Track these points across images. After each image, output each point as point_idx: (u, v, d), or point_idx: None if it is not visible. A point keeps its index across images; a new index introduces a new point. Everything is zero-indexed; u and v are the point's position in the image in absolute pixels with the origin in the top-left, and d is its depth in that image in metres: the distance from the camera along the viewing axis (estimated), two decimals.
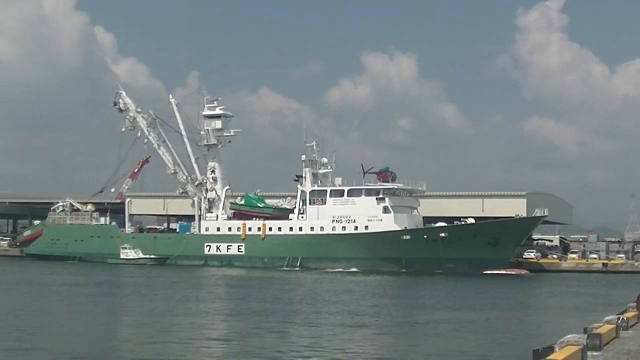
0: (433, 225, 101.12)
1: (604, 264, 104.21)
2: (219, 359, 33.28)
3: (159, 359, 32.10)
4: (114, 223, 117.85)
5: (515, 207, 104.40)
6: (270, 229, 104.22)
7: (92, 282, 74.66)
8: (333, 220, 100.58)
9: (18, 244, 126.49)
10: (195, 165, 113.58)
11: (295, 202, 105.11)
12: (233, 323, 44.30)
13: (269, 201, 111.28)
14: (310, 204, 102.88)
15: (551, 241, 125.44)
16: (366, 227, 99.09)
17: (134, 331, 40.81)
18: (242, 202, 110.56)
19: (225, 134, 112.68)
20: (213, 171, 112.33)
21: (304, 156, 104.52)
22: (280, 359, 32.53)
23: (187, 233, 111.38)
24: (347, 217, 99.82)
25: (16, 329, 40.36)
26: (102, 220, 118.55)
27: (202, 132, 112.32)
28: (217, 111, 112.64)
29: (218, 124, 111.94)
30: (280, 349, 34.58)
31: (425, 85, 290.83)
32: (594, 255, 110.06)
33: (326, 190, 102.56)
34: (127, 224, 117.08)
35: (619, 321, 22.02)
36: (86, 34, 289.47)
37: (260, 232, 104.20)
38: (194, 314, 49.20)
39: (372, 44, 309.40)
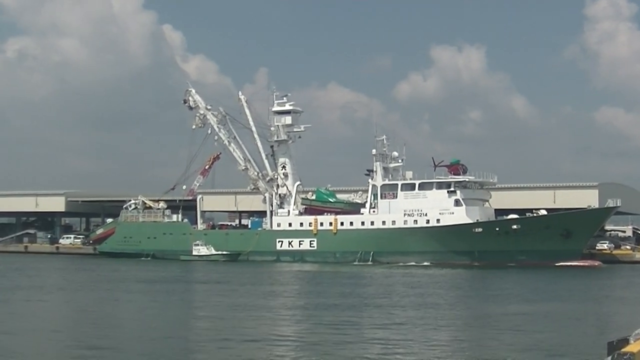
0: (505, 217, 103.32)
1: None
2: (297, 354, 34.32)
3: (241, 354, 33.68)
4: (186, 220, 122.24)
5: (587, 198, 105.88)
6: (341, 223, 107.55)
7: (169, 279, 78.29)
8: (404, 214, 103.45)
9: (91, 242, 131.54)
10: (265, 161, 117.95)
11: (367, 197, 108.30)
12: (310, 317, 46.19)
13: (340, 196, 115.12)
14: (381, 198, 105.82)
15: (624, 232, 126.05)
16: (438, 221, 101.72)
17: (215, 325, 42.80)
18: (314, 197, 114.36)
19: (295, 130, 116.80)
20: (284, 167, 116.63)
21: (374, 150, 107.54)
22: (358, 353, 33.64)
23: (259, 229, 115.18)
24: (418, 210, 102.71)
25: (110, 325, 43.86)
26: (174, 217, 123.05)
27: (272, 128, 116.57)
28: (287, 107, 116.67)
29: (288, 119, 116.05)
30: (358, 343, 36.31)
31: (494, 76, 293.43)
32: None
33: (397, 184, 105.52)
34: (199, 220, 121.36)
35: None
36: (155, 33, 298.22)
37: (332, 227, 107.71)
38: (271, 308, 51.53)
39: (440, 36, 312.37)
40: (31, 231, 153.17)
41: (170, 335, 39.83)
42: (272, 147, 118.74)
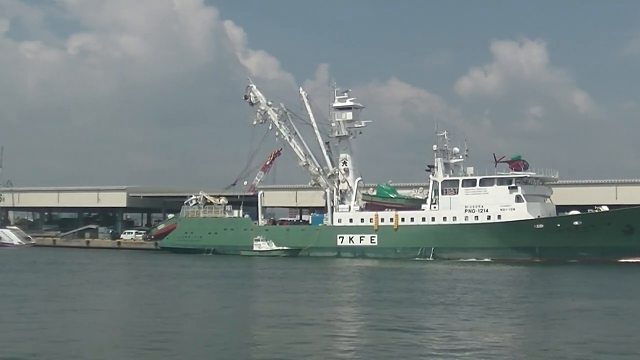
0: (566, 213, 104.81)
1: None
2: (363, 349, 35.01)
3: (306, 348, 34.87)
4: (247, 215, 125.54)
5: None
6: (402, 219, 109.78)
7: (233, 274, 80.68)
8: (465, 210, 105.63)
9: (152, 237, 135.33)
10: (326, 157, 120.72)
11: (427, 192, 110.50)
12: (374, 313, 47.21)
13: (400, 192, 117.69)
14: (442, 194, 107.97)
15: None
16: (499, 217, 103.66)
17: (277, 320, 44.15)
18: (374, 193, 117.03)
19: (356, 126, 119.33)
20: (345, 162, 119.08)
21: (435, 146, 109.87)
22: (422, 350, 34.63)
23: (320, 225, 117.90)
24: (479, 206, 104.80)
25: (177, 319, 45.43)
26: (235, 213, 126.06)
27: (333, 124, 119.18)
28: (348, 103, 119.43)
29: (349, 115, 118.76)
30: (421, 340, 37.21)
31: (556, 72, 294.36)
32: None
33: (458, 180, 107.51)
34: (260, 216, 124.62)
35: None
36: (216, 29, 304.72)
37: (392, 223, 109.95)
38: (334, 304, 53.11)
39: (501, 31, 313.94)
40: (93, 226, 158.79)
41: (234, 329, 41.68)
42: (327, 143, 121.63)
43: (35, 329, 39.44)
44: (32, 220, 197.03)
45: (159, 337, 37.92)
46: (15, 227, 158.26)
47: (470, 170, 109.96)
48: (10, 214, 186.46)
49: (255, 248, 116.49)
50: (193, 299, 57.55)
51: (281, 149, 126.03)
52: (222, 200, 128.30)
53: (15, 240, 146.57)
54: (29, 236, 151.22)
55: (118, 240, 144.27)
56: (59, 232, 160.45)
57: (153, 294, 61.20)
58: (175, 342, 36.87)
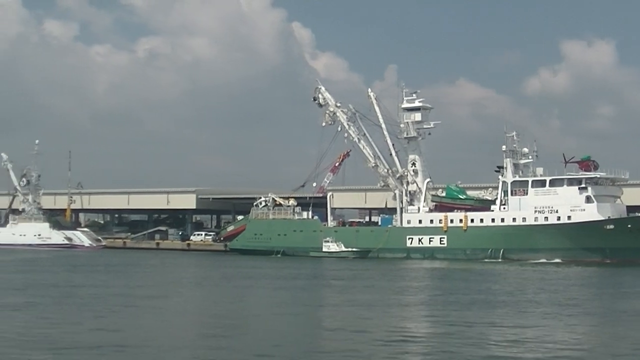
0: (637, 214, 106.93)
1: None
2: (438, 351, 35.27)
3: (375, 350, 35.40)
4: (316, 217, 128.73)
5: None
6: (472, 220, 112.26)
7: (304, 275, 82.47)
8: (535, 211, 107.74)
9: (222, 239, 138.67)
10: (395, 158, 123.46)
11: (497, 193, 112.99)
12: (447, 313, 47.94)
13: (470, 192, 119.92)
14: (511, 194, 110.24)
15: None
16: (569, 217, 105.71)
17: (350, 321, 45.16)
18: (444, 194, 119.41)
19: (425, 126, 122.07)
20: (414, 164, 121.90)
21: (504, 146, 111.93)
22: (495, 351, 35.05)
23: (389, 226, 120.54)
24: (549, 207, 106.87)
25: (247, 320, 47.10)
26: (305, 214, 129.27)
27: (401, 125, 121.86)
28: (416, 104, 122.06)
29: (417, 116, 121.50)
30: (495, 340, 38.09)
31: (625, 71, 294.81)
32: None
33: (528, 181, 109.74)
34: (329, 217, 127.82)
35: None
36: (284, 30, 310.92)
37: (462, 224, 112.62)
38: (406, 305, 54.51)
39: (570, 31, 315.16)
40: (163, 228, 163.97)
41: (305, 329, 43.39)
42: (392, 145, 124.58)
43: (119, 328, 41.84)
44: (102, 222, 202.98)
45: (235, 337, 39.50)
46: (86, 229, 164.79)
47: (539, 170, 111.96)
48: (81, 216, 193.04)
49: (324, 249, 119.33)
50: (268, 300, 59.24)
51: (350, 150, 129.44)
52: (292, 201, 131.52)
53: (86, 242, 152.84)
54: (100, 238, 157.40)
55: (188, 242, 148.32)
56: (129, 234, 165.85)
57: (228, 295, 62.78)
58: (248, 341, 38.52)
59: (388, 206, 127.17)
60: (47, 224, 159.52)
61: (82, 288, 64.64)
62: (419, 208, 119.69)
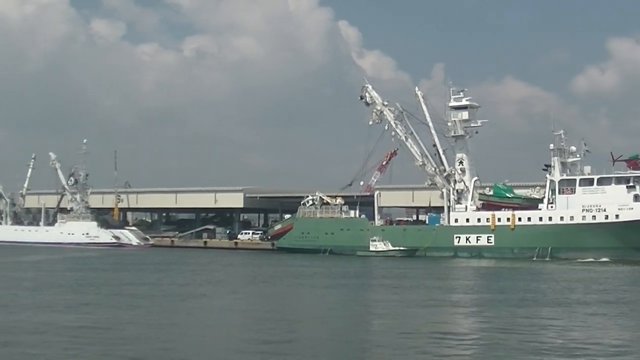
0: None
1: None
2: (478, 351, 35.84)
3: (424, 349, 35.89)
4: (363, 216, 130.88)
5: None
6: (519, 219, 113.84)
7: (353, 274, 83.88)
8: (583, 210, 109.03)
9: (269, 237, 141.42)
10: (443, 157, 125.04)
11: (544, 192, 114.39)
12: (497, 313, 48.74)
13: (517, 191, 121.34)
14: (559, 193, 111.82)
15: None
16: (617, 216, 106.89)
17: (398, 320, 46.14)
18: (491, 192, 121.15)
19: (472, 125, 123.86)
20: (461, 162, 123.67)
21: (552, 145, 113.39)
22: (549, 349, 35.65)
23: (437, 225, 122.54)
24: (597, 206, 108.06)
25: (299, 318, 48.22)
26: (352, 213, 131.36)
27: (449, 124, 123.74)
28: (464, 102, 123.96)
29: (465, 115, 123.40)
30: (548, 339, 38.67)
31: None
32: None
33: (575, 179, 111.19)
34: (377, 216, 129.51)
35: None
36: (331, 29, 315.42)
37: (509, 223, 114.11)
38: (455, 304, 55.84)
39: (617, 29, 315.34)
40: (210, 227, 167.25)
41: (356, 328, 43.64)
42: (440, 143, 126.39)
43: (170, 326, 43.13)
44: (150, 221, 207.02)
45: (289, 337, 39.88)
46: (133, 228, 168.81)
47: (587, 169, 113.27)
48: (129, 215, 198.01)
49: (371, 248, 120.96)
50: (320, 299, 60.50)
51: (397, 149, 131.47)
52: (339, 200, 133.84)
53: (134, 240, 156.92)
54: (147, 237, 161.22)
55: (235, 240, 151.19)
56: (177, 232, 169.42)
57: (280, 294, 64.85)
58: (303, 342, 38.90)
59: (433, 205, 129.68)
60: (95, 223, 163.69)
61: (134, 286, 66.61)
62: (466, 207, 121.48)
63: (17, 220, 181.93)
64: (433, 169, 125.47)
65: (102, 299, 55.49)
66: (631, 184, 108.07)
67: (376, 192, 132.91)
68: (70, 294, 58.84)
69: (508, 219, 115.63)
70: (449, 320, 46.98)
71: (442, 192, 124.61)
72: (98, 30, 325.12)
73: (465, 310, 52.57)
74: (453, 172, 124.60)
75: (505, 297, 58.38)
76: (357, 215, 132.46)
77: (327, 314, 50.03)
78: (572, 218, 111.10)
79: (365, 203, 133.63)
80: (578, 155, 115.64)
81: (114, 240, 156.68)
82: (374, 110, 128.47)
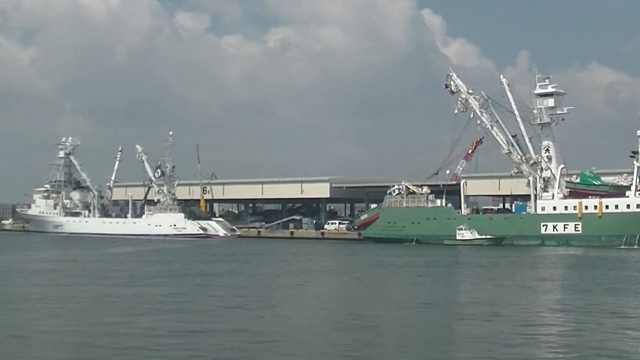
0: None
1: None
2: (565, 342, 35.67)
3: (511, 338, 36.01)
4: (449, 205, 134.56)
5: None
6: (607, 206, 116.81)
7: (442, 263, 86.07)
8: None
9: (356, 227, 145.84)
10: (529, 145, 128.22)
11: (632, 179, 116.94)
12: (591, 301, 49.03)
13: (604, 178, 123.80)
14: None
15: None
16: None
17: (505, 310, 45.88)
18: (578, 180, 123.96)
19: (558, 112, 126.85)
20: (547, 150, 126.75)
21: (639, 132, 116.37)
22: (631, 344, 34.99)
23: (523, 213, 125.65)
24: None
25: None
26: (438, 202, 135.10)
27: (534, 111, 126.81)
28: (549, 89, 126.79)
29: (550, 102, 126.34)
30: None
31: None
32: None
33: None
34: (463, 205, 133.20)
35: None
36: (414, 18, 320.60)
37: (596, 211, 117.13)
38: (549, 291, 56.96)
39: None
40: (297, 217, 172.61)
41: (460, 318, 43.75)
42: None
43: (271, 316, 43.95)
44: (236, 212, 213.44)
45: (390, 327, 40.91)
46: (220, 219, 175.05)
47: None
48: (216, 206, 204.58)
49: (458, 237, 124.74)
50: (415, 288, 61.29)
51: (483, 137, 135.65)
52: (425, 189, 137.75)
53: (221, 231, 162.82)
54: (234, 228, 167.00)
55: (322, 230, 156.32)
56: (263, 223, 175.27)
57: (376, 283, 66.29)
58: (403, 332, 39.33)
59: (516, 193, 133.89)
60: (182, 215, 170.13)
61: (229, 277, 68.90)
62: (553, 195, 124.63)
63: (105, 212, 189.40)
64: (519, 157, 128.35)
65: (198, 289, 57.57)
66: None
67: (462, 181, 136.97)
68: (167, 285, 60.84)
69: (595, 207, 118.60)
70: (550, 309, 47.93)
71: (529, 180, 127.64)
72: (182, 23, 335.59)
73: (562, 299, 52.85)
74: (539, 159, 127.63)
75: (596, 286, 59.54)
76: (444, 204, 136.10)
77: (425, 304, 49.80)
78: None
79: (451, 192, 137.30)
80: None
81: (200, 232, 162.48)
82: (459, 99, 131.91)
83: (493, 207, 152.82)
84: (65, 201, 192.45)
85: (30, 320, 41.96)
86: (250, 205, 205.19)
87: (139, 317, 42.48)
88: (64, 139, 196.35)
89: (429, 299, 52.30)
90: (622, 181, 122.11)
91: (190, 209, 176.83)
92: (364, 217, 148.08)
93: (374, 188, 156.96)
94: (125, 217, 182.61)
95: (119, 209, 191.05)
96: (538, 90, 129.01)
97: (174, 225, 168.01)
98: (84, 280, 65.45)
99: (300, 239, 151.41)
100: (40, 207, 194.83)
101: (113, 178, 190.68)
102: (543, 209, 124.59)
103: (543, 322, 42.24)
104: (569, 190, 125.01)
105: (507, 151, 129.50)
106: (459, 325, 40.97)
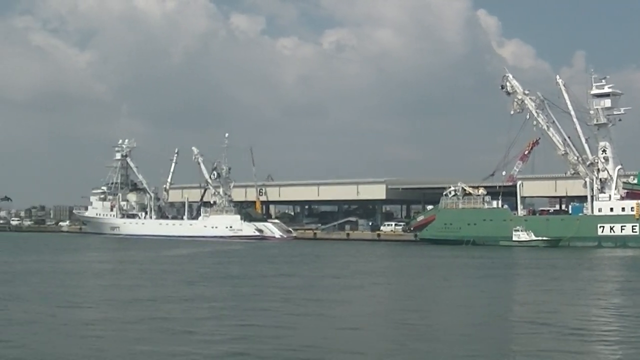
0: None
1: None
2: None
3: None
4: (505, 206, 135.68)
5: None
6: None
7: (501, 265, 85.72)
8: None
9: (412, 228, 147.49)
10: (585, 146, 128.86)
11: None
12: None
13: None
14: None
15: None
16: None
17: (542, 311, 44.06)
18: (635, 181, 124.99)
19: (615, 113, 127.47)
20: (604, 151, 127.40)
21: None
22: None
23: (580, 214, 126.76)
24: None
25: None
26: (494, 203, 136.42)
27: (591, 112, 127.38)
28: (606, 89, 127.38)
29: (607, 102, 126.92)
30: None
31: None
32: None
33: None
34: (519, 206, 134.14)
35: None
36: (470, 19, 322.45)
37: None
38: (603, 294, 55.31)
39: None
40: (353, 219, 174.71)
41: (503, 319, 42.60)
42: (582, 132, 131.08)
43: (332, 318, 42.66)
44: (292, 213, 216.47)
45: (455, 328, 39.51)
46: (276, 221, 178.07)
47: None
48: (272, 208, 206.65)
49: (514, 238, 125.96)
50: (476, 290, 59.70)
51: (539, 138, 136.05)
52: (481, 190, 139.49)
53: (277, 233, 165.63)
54: (290, 229, 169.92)
55: (378, 232, 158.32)
56: (319, 225, 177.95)
57: (439, 285, 65.00)
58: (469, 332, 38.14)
59: (571, 194, 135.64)
60: (238, 216, 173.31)
61: (289, 278, 68.62)
62: (610, 196, 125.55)
63: (161, 214, 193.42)
64: (576, 158, 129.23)
65: (260, 290, 56.81)
66: None
67: (519, 182, 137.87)
68: (227, 285, 60.89)
69: None
70: (610, 312, 45.60)
71: (586, 181, 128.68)
72: (238, 25, 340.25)
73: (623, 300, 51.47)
74: (596, 160, 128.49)
75: None
76: (500, 206, 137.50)
77: (490, 306, 48.69)
78: None
79: (507, 193, 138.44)
80: None
81: (257, 233, 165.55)
82: (515, 100, 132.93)
83: (549, 209, 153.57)
84: (122, 203, 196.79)
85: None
86: (306, 206, 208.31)
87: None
88: (120, 141, 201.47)
89: (494, 304, 50.24)
90: None
91: (246, 210, 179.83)
92: (420, 218, 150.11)
93: (430, 189, 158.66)
94: (182, 219, 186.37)
95: (176, 211, 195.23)
96: (595, 91, 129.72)
97: (230, 227, 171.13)
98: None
99: (356, 240, 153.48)
100: (97, 209, 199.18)
101: (169, 180, 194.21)
102: (600, 210, 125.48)
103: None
104: (626, 191, 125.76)
105: (563, 152, 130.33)
106: (523, 339, 36.71)
